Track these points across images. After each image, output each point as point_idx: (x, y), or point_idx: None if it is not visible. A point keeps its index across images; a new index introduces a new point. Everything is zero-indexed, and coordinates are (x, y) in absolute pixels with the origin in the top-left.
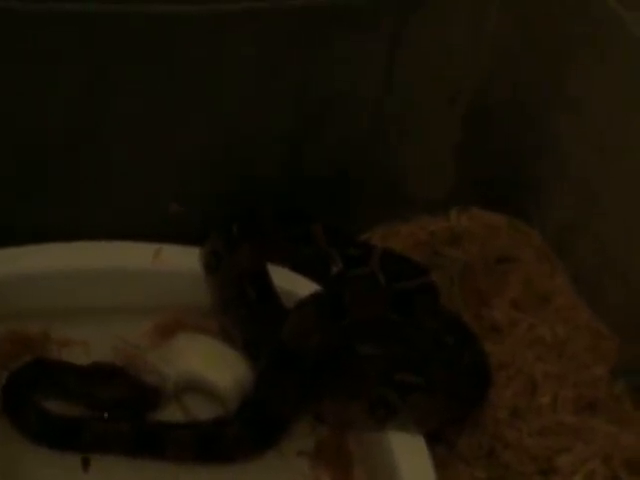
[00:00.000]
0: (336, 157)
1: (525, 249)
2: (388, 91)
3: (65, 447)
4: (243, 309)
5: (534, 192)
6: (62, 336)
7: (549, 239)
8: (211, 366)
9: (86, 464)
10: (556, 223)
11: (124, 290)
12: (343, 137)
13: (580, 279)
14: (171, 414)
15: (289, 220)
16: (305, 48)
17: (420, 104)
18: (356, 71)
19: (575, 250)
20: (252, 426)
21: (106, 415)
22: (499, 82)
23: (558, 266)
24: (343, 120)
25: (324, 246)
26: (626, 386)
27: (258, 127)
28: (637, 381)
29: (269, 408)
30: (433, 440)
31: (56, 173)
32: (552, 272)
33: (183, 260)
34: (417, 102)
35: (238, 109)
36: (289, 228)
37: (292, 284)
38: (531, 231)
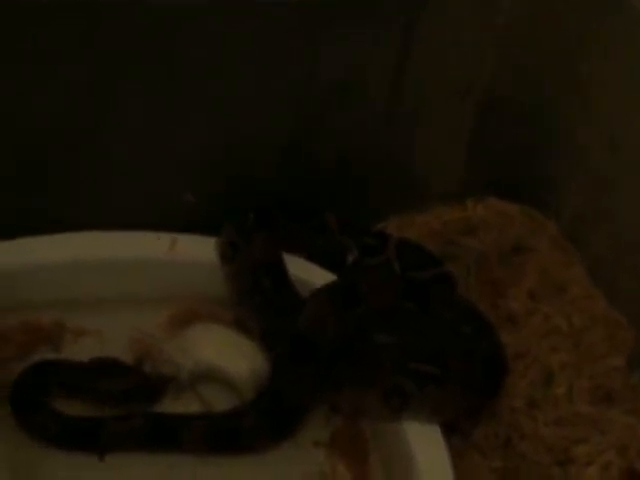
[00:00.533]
0: (349, 148)
1: (541, 239)
2: (402, 82)
3: (83, 448)
4: (259, 299)
5: (549, 182)
6: (77, 326)
7: (564, 229)
8: (227, 356)
9: (102, 455)
10: (571, 213)
11: (139, 280)
12: (356, 127)
13: (596, 269)
14: (187, 404)
15: (304, 211)
16: (312, 45)
17: (432, 97)
18: (369, 62)
19: (590, 240)
20: (268, 416)
21: (114, 406)
22: (512, 74)
23: (574, 256)
24: (356, 110)
25: (339, 235)
26: None
27: (265, 120)
28: None
29: (285, 398)
30: (449, 430)
31: (56, 173)
32: (568, 262)
33: (199, 250)
34: (429, 96)
35: (239, 108)
36: (304, 218)
37: (308, 273)
38: (546, 221)
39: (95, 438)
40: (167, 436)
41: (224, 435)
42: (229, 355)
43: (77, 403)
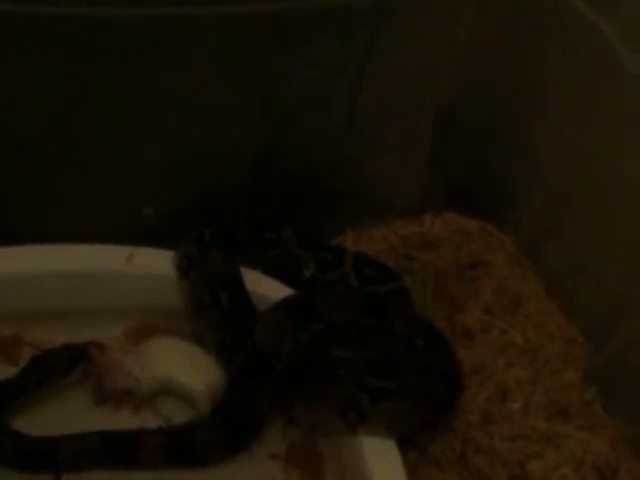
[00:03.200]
0: (307, 162)
1: (498, 254)
2: (359, 97)
3: (40, 469)
4: (215, 313)
5: (507, 197)
6: (35, 338)
7: (522, 244)
8: (184, 370)
9: (58, 476)
10: (528, 228)
11: (97, 292)
12: (314, 142)
13: (552, 284)
14: (145, 419)
15: (260, 226)
16: (274, 55)
17: (392, 109)
18: (327, 77)
19: (547, 255)
20: (224, 430)
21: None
22: (471, 89)
23: (530, 271)
24: (315, 123)
25: (296, 250)
26: (597, 392)
27: (227, 133)
28: (608, 387)
29: (241, 412)
30: (405, 444)
31: (32, 177)
32: (524, 277)
33: (156, 263)
34: (389, 107)
35: (207, 116)
36: (261, 231)
37: (264, 288)
38: (503, 236)
39: (51, 459)
40: (124, 453)
41: (180, 449)
42: (186, 369)
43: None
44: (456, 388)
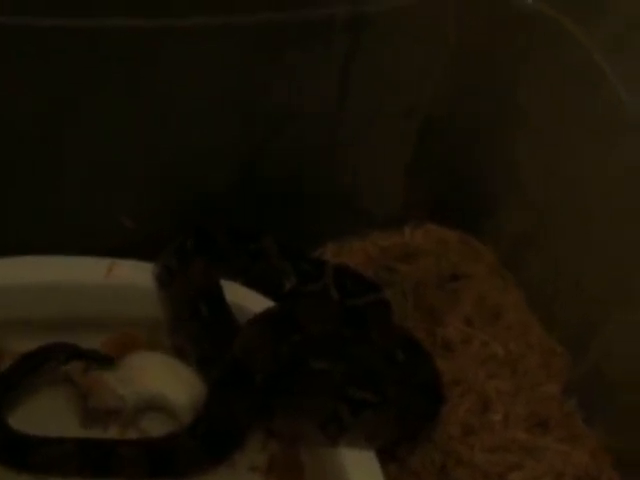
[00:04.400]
0: (288, 173)
1: (478, 265)
2: (341, 107)
3: (14, 466)
4: (196, 325)
5: (487, 208)
6: (15, 350)
7: (502, 255)
8: (169, 384)
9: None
10: (509, 239)
11: (77, 304)
12: (295, 152)
13: (532, 295)
14: (124, 433)
15: (242, 236)
16: (257, 64)
17: (373, 120)
18: (309, 87)
19: (527, 266)
20: (204, 441)
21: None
22: (453, 99)
23: (510, 282)
24: (295, 135)
25: (277, 261)
26: (577, 404)
27: (210, 143)
28: (588, 398)
29: (221, 424)
30: (385, 456)
31: (10, 188)
32: (505, 288)
33: (136, 275)
34: (370, 118)
35: (190, 126)
36: (242, 243)
37: (245, 299)
38: (483, 247)
39: (23, 458)
40: (100, 462)
41: (160, 460)
42: (169, 383)
43: None
44: (437, 400)
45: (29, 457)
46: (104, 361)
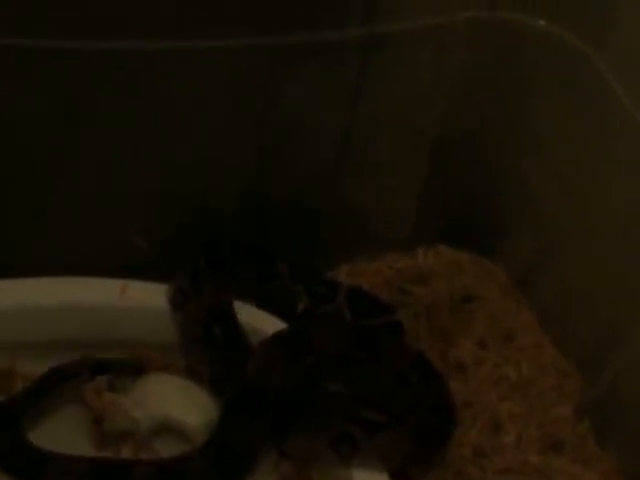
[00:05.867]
0: (300, 194)
1: (490, 287)
2: (353, 127)
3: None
4: (209, 347)
5: (499, 229)
6: (27, 371)
7: (514, 276)
8: (182, 406)
9: None
10: (521, 260)
11: (90, 326)
12: (307, 173)
13: (545, 317)
14: (137, 454)
15: (255, 256)
16: (268, 82)
17: (386, 142)
18: (321, 106)
19: (539, 288)
20: (216, 463)
21: None
22: (466, 120)
23: (523, 304)
24: (307, 156)
25: (290, 283)
26: (590, 426)
27: (218, 165)
28: (601, 420)
29: (233, 445)
30: (397, 477)
31: (19, 207)
32: (517, 310)
33: (149, 297)
34: (383, 140)
35: (198, 147)
36: (255, 264)
37: (258, 321)
38: (496, 269)
39: (39, 474)
40: None
41: None
42: (183, 405)
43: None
44: (449, 422)
45: (45, 473)
46: (132, 370)
